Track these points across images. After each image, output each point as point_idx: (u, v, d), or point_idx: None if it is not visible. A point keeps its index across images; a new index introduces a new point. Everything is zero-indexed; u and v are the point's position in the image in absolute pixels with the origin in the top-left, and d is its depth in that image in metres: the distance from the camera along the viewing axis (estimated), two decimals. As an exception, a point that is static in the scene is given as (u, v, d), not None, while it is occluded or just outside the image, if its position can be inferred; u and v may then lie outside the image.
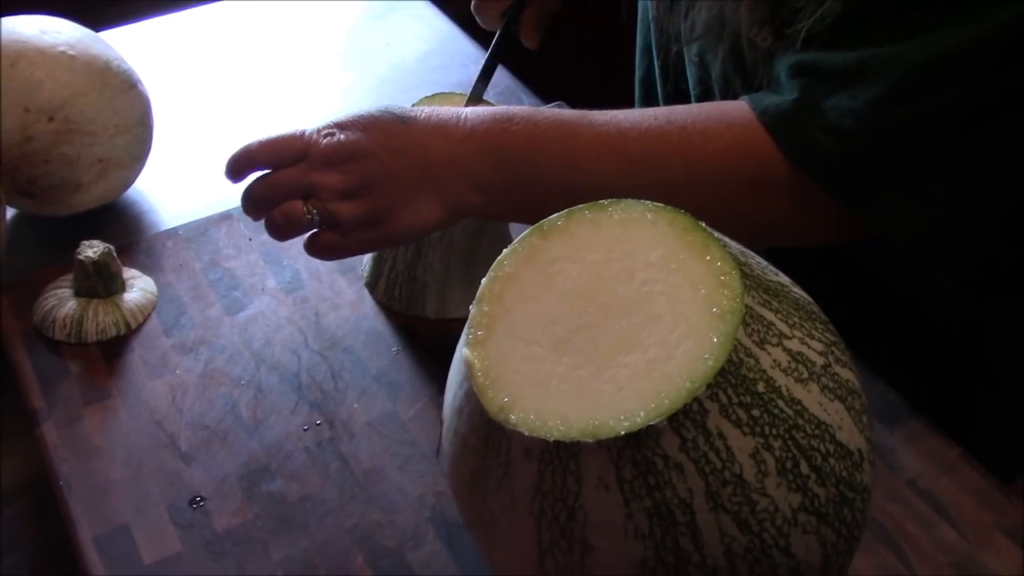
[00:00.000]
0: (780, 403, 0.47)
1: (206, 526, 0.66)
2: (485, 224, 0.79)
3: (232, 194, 0.74)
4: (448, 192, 0.69)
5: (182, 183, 0.96)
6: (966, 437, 0.70)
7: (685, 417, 0.45)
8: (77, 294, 0.80)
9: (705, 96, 0.79)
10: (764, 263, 0.54)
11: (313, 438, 0.71)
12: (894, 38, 0.61)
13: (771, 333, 0.48)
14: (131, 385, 0.75)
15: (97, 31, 0.90)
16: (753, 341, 0.47)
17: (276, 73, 1.12)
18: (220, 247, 0.87)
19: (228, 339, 0.79)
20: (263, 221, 0.71)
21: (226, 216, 0.89)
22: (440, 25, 1.19)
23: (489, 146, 0.69)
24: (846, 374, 0.51)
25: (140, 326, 0.80)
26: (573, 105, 1.03)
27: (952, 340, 0.81)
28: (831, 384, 0.50)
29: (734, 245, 0.52)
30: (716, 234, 0.51)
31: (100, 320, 0.78)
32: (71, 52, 0.84)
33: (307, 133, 0.70)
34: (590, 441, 0.45)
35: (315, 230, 0.71)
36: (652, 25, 0.84)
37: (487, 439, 0.50)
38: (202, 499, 0.68)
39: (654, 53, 0.88)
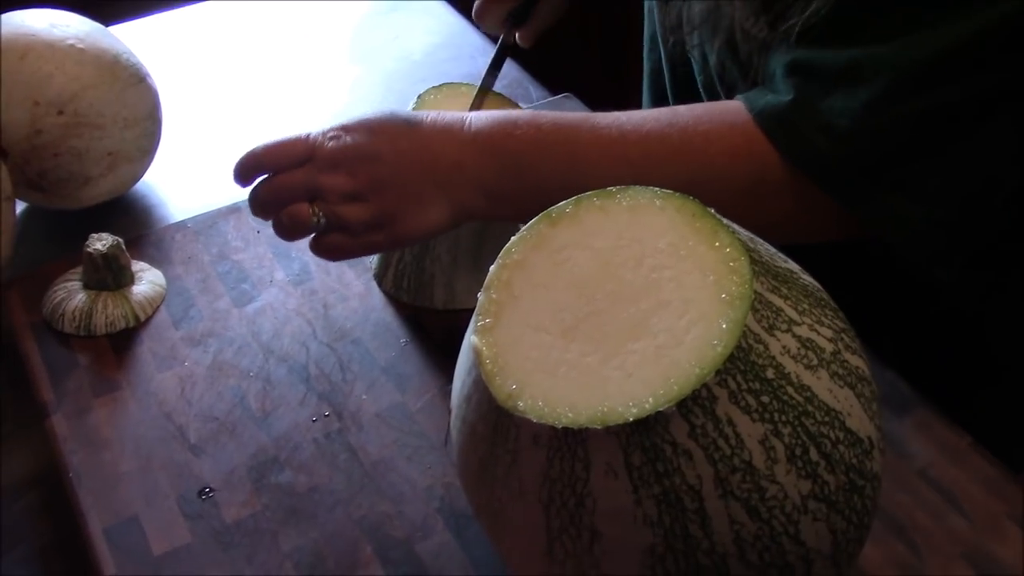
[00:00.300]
0: (789, 389, 0.47)
1: (215, 517, 0.66)
2: (492, 216, 0.78)
3: (240, 188, 0.74)
4: (454, 195, 0.69)
5: (191, 176, 0.96)
6: (975, 427, 0.70)
7: (694, 403, 0.45)
8: (86, 287, 0.80)
9: (709, 85, 0.79)
10: (773, 250, 0.53)
11: (322, 429, 0.71)
12: (888, 34, 0.61)
13: (780, 319, 0.48)
14: (140, 377, 0.75)
15: (106, 25, 0.90)
16: (762, 327, 0.47)
17: (284, 67, 1.12)
18: (228, 240, 0.87)
19: (237, 331, 0.79)
20: None
21: (234, 209, 0.89)
22: (448, 18, 1.19)
23: (493, 151, 0.69)
24: (856, 361, 0.51)
25: (149, 318, 0.80)
26: (580, 96, 1.03)
27: (960, 330, 0.81)
28: (840, 371, 0.49)
29: (743, 232, 0.52)
30: (725, 220, 0.51)
31: (109, 312, 0.79)
32: (80, 46, 0.84)
33: (312, 136, 0.70)
34: (599, 428, 0.45)
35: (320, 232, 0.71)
36: (655, 16, 0.84)
37: (495, 426, 0.49)
38: (211, 490, 0.68)
39: (660, 44, 0.88)
